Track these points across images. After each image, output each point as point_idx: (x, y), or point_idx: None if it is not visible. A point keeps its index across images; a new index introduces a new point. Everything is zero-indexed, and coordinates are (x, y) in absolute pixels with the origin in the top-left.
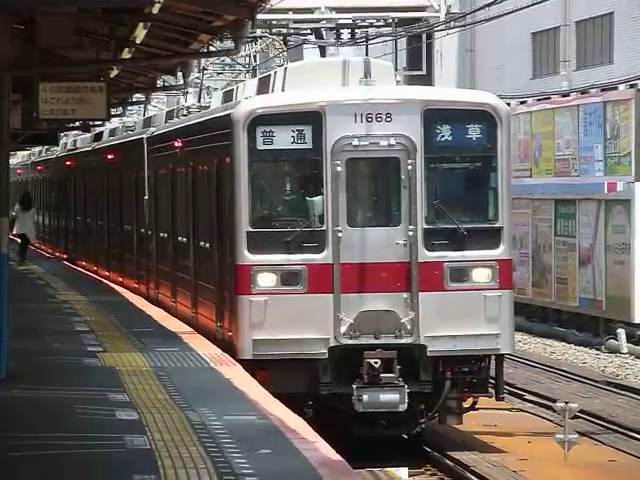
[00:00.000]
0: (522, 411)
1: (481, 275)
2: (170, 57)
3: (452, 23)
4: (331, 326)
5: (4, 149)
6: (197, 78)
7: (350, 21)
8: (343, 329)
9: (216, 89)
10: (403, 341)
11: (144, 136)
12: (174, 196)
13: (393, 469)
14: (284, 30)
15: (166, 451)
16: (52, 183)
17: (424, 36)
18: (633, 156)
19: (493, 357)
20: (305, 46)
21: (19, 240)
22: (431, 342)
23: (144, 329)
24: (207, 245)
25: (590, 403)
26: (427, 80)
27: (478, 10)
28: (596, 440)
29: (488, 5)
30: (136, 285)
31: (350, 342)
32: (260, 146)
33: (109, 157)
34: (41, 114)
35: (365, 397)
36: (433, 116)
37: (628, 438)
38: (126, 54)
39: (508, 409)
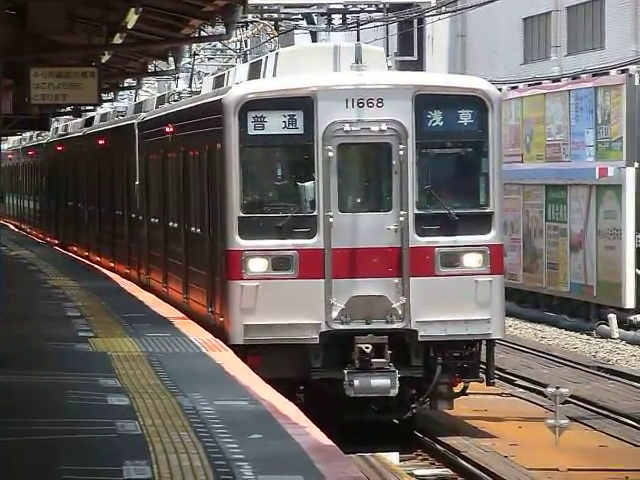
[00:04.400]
0: (513, 396)
1: (472, 260)
2: (161, 42)
3: (443, 8)
4: (322, 311)
5: None
6: (188, 63)
7: (341, 6)
8: (334, 314)
9: (207, 74)
10: (394, 326)
11: (135, 121)
12: (165, 181)
13: (384, 454)
14: (275, 15)
15: (157, 436)
16: (43, 168)
17: (415, 21)
18: (624, 141)
19: (484, 342)
20: (296, 31)
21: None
22: (422, 327)
23: (135, 314)
24: (198, 230)
25: (581, 388)
26: (418, 65)
27: None
28: (587, 425)
29: None
30: (127, 270)
31: (341, 327)
32: (251, 131)
33: (100, 142)
34: (32, 99)
35: (356, 382)
36: (424, 101)
37: (619, 423)
38: (117, 39)
39: (499, 394)
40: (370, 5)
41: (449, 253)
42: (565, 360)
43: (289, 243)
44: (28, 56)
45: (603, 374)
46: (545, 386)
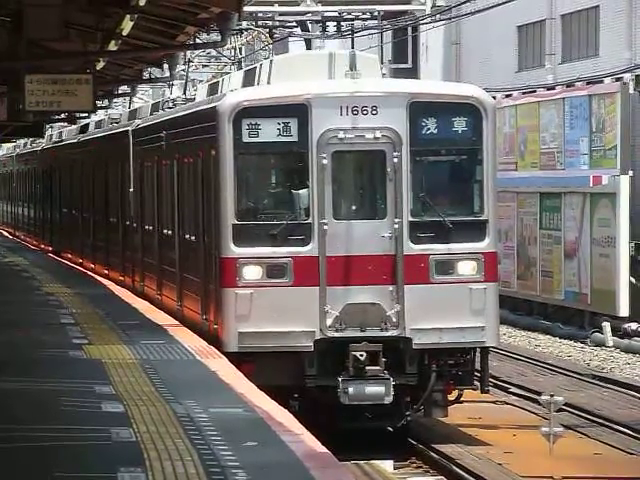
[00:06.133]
0: (507, 404)
1: (466, 268)
2: (156, 49)
3: (438, 16)
4: (317, 319)
5: None
6: (182, 70)
7: (336, 14)
8: (329, 322)
9: (201, 81)
10: (389, 334)
11: (129, 128)
12: (159, 189)
13: (378, 462)
14: (270, 22)
15: (152, 443)
16: (37, 175)
17: (410, 29)
18: (619, 149)
19: (478, 350)
20: (291, 39)
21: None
22: (416, 335)
23: (130, 321)
24: (193, 238)
25: (575, 396)
26: (413, 73)
27: (464, 3)
28: (581, 433)
29: None
30: (121, 277)
31: (336, 335)
32: (246, 139)
33: (94, 149)
34: (27, 106)
35: (351, 390)
36: (419, 109)
37: (613, 431)
38: (112, 46)
39: (493, 402)
40: (365, 13)
41: (443, 261)
42: (559, 368)
43: (283, 251)
44: (23, 63)
45: (597, 382)
46: (539, 394)
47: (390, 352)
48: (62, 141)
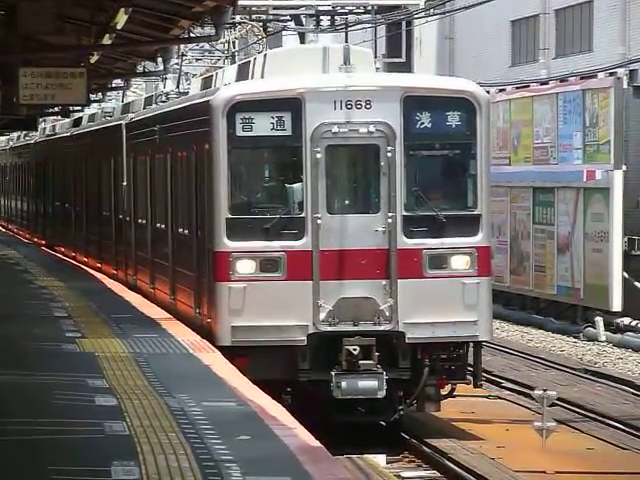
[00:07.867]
0: (500, 398)
1: (460, 262)
2: (150, 43)
3: (431, 10)
4: (310, 313)
5: None
6: (176, 64)
7: (330, 8)
8: (322, 316)
9: (194, 75)
10: (382, 328)
11: (123, 122)
12: (153, 182)
13: (371, 456)
14: (263, 16)
15: (145, 437)
16: (30, 168)
17: (403, 23)
18: (612, 144)
19: (471, 344)
20: (284, 33)
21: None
22: (410, 329)
23: (123, 315)
24: (186, 232)
25: (568, 391)
26: (406, 67)
27: None
28: (574, 428)
29: None
30: (114, 271)
31: (329, 329)
32: (239, 133)
33: (88, 143)
34: (21, 99)
35: (344, 384)
36: (413, 103)
37: (606, 426)
38: (107, 40)
39: (486, 396)
40: (358, 7)
41: (437, 255)
42: (552, 363)
43: (277, 245)
44: (17, 56)
45: (590, 377)
46: (532, 388)
47: (383, 346)
48: (55, 134)
